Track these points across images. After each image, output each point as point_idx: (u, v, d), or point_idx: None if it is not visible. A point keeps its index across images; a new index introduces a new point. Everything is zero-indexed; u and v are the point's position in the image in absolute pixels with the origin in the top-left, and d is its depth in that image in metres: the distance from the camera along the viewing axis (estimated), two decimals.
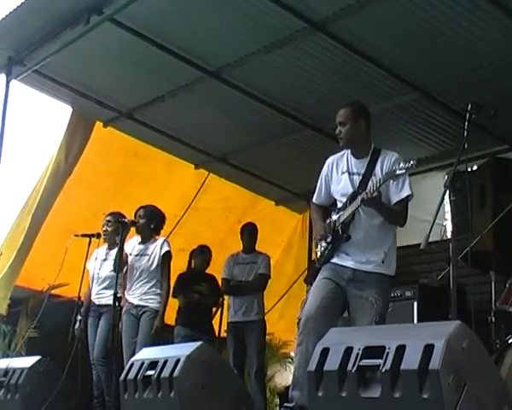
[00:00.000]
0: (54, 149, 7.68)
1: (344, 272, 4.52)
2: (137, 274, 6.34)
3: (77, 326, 6.43)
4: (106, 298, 6.36)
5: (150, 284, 6.29)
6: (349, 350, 3.12)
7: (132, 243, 6.46)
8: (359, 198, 4.38)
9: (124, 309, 6.27)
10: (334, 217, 4.65)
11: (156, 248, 6.35)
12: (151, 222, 6.42)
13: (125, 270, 6.35)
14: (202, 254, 7.49)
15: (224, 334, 7.48)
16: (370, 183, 4.44)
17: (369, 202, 4.33)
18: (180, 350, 4.41)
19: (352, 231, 4.53)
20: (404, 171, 4.18)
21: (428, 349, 2.85)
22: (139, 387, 4.38)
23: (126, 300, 6.31)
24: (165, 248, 6.34)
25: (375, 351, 3.04)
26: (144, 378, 4.37)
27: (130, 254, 6.39)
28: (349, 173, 4.61)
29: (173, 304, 7.05)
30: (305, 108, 7.01)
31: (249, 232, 7.39)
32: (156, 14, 5.84)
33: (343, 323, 4.69)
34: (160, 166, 8.28)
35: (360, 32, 5.67)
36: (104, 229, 6.56)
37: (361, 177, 4.55)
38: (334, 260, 4.58)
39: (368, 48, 5.87)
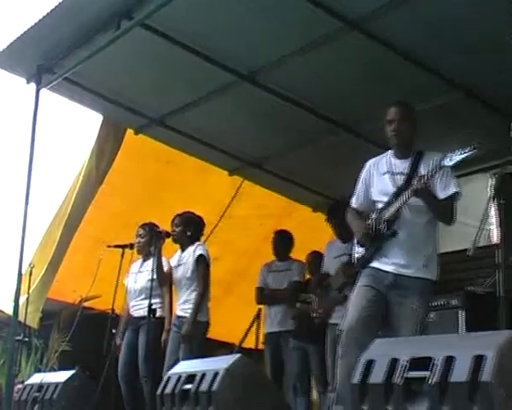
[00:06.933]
0: (85, 158, 7.66)
1: (385, 277, 4.39)
2: (178, 285, 6.26)
3: (118, 341, 6.34)
4: (143, 309, 6.24)
5: (188, 293, 6.17)
6: (395, 362, 3.06)
7: (176, 256, 6.36)
8: (409, 190, 4.24)
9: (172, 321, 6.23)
10: (375, 216, 4.49)
11: (190, 254, 6.21)
12: (187, 229, 6.28)
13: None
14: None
15: (261, 346, 7.34)
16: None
17: (422, 192, 4.18)
18: (218, 363, 4.34)
19: (397, 228, 4.37)
20: (463, 155, 4.02)
21: (478, 360, 2.76)
22: (176, 401, 4.33)
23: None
24: (198, 252, 6.18)
25: (422, 363, 2.97)
26: (182, 392, 4.31)
27: (174, 267, 6.31)
28: (391, 173, 4.50)
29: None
30: (342, 110, 6.84)
31: (280, 240, 7.20)
32: (187, 17, 5.73)
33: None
34: (193, 174, 8.15)
35: (399, 29, 5.50)
36: (137, 241, 6.46)
37: (405, 176, 4.42)
38: (374, 263, 4.45)
39: (407, 46, 5.68)
